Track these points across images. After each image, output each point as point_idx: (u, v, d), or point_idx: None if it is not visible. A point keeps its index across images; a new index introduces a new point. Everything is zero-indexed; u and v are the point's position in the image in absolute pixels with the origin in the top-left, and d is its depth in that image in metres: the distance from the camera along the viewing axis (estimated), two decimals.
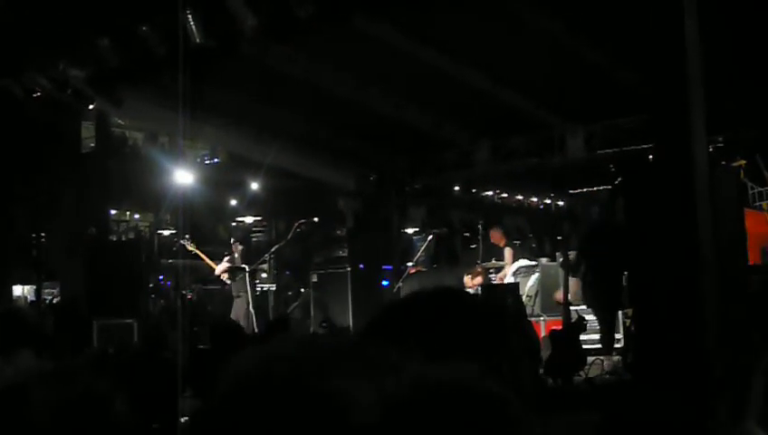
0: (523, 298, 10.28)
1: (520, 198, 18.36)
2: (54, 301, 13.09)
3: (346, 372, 0.74)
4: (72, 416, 1.27)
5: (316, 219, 13.07)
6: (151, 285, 13.71)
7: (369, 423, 0.70)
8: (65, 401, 1.28)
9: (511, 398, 0.76)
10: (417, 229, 15.74)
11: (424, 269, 12.52)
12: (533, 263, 11.89)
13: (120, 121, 13.16)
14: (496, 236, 12.16)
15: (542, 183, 15.92)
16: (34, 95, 9.55)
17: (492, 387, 0.75)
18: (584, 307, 9.83)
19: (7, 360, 4.92)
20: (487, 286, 10.75)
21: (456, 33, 8.59)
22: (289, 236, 11.76)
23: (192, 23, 7.75)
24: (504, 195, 17.91)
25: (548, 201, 18.52)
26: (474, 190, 16.36)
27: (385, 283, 12.15)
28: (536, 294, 11.08)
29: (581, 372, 7.82)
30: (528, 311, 10.22)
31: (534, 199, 18.57)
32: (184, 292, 12.92)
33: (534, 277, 11.34)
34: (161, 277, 14.87)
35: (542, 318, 10.49)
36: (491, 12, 8.03)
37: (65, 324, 9.36)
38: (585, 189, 14.87)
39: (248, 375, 0.78)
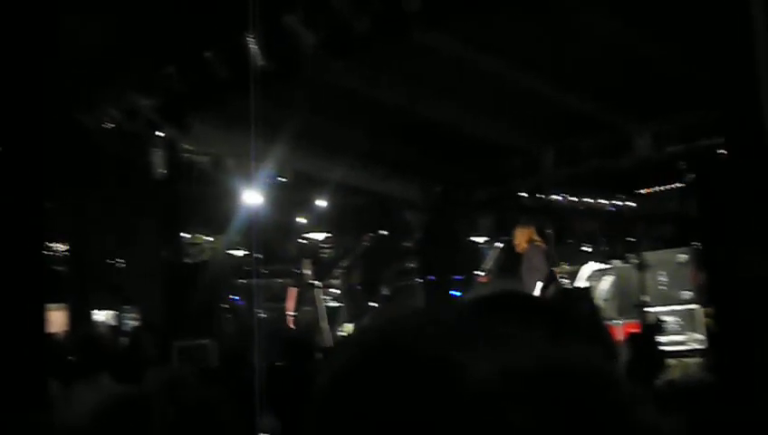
0: (599, 302, 10.13)
1: (589, 201, 18.11)
2: (133, 324, 13.39)
3: (466, 343, 0.76)
4: (189, 423, 1.31)
5: (385, 233, 13.11)
6: (226, 306, 13.92)
7: (487, 392, 0.71)
8: (183, 409, 1.32)
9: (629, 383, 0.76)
10: (485, 238, 15.64)
11: (494, 277, 12.42)
12: (607, 266, 11.70)
13: (188, 147, 13.42)
14: (522, 237, 11.35)
15: (610, 185, 15.69)
16: (106, 126, 9.84)
17: (614, 369, 0.75)
18: (663, 308, 9.64)
19: (88, 383, 5.05)
20: (560, 291, 10.61)
21: (514, 38, 8.55)
22: (358, 251, 11.82)
23: (253, 46, 7.90)
24: (573, 199, 17.69)
25: (618, 203, 18.23)
26: (541, 196, 16.20)
27: (456, 293, 12.10)
28: (612, 298, 10.90)
29: (662, 375, 7.66)
30: (604, 314, 10.06)
31: (604, 202, 18.30)
32: (257, 311, 13.07)
33: (609, 280, 11.16)
34: (236, 297, 15.08)
35: (618, 321, 10.31)
36: (548, 14, 7.97)
37: (145, 347, 9.57)
38: (656, 188, 14.61)
39: (371, 345, 0.80)
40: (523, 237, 11.18)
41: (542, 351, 0.74)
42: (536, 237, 11.15)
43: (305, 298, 11.08)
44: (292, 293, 11.35)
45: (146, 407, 1.38)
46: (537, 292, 10.89)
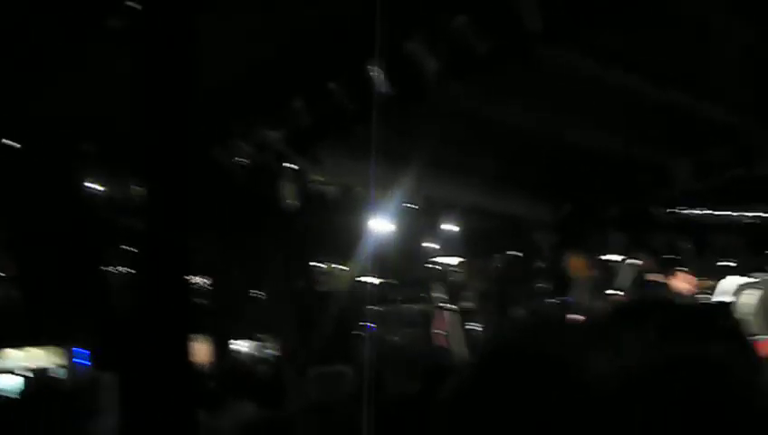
0: (746, 317, 9.66)
1: (728, 213, 17.41)
2: (272, 353, 13.74)
3: (586, 346, 0.79)
4: None
5: (516, 254, 13.01)
6: (360, 333, 14.08)
7: (607, 390, 0.74)
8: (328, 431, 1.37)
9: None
10: (621, 256, 15.25)
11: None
12: (756, 280, 11.17)
13: (317, 178, 13.75)
14: (578, 265, 11.01)
15: (750, 194, 15.02)
16: (238, 160, 10.19)
17: (736, 364, 0.75)
18: None
19: (233, 411, 5.21)
20: (699, 304, 10.19)
21: (641, 50, 8.35)
22: (489, 274, 11.75)
23: (377, 75, 8.02)
24: (710, 212, 17.05)
25: (761, 214, 17.43)
26: (676, 210, 15.69)
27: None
28: (756, 312, 10.38)
29: None
30: (747, 329, 9.58)
31: (745, 213, 17.54)
32: (391, 337, 13.19)
33: (754, 294, 10.64)
34: (369, 324, 15.25)
35: (763, 337, 9.79)
36: (676, 23, 7.76)
37: (285, 374, 9.79)
38: None
39: (503, 345, 0.86)
40: (576, 266, 11.00)
41: (652, 350, 0.75)
42: (586, 269, 10.89)
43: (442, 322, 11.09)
44: (440, 314, 11.37)
45: (289, 429, 1.43)
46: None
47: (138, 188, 5.24)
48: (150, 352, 5.20)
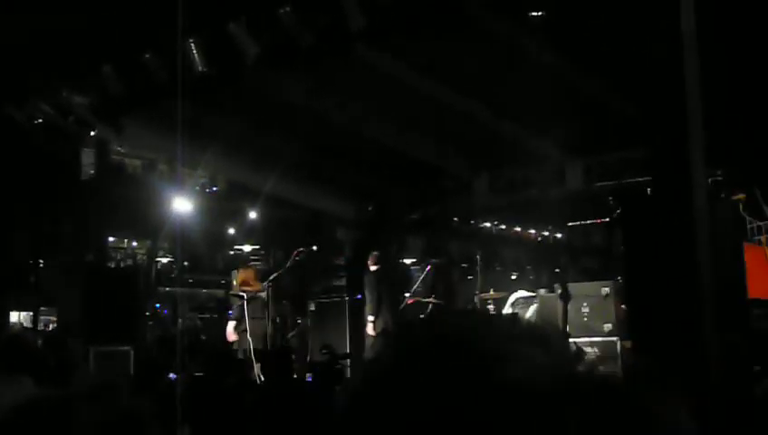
0: None
1: (518, 229, 18.40)
2: (51, 327, 13.04)
3: (515, 340, 0.77)
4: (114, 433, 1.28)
5: (315, 248, 13.07)
6: (148, 313, 13.66)
7: (541, 385, 0.73)
8: (108, 420, 1.29)
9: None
10: (414, 260, 15.73)
11: (422, 299, 12.48)
12: (532, 294, 11.85)
13: (119, 149, 13.19)
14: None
15: (540, 215, 15.95)
16: (36, 122, 9.60)
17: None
18: (583, 339, 9.80)
19: (7, 385, 4.89)
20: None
21: (456, 65, 8.65)
22: (287, 265, 11.72)
23: (195, 51, 7.81)
24: (503, 226, 17.95)
25: (546, 233, 18.56)
26: (472, 221, 16.39)
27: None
28: None
29: None
30: None
31: (533, 232, 18.62)
32: (181, 320, 12.88)
33: (533, 308, 11.30)
34: (158, 305, 14.83)
35: None
36: (492, 44, 8.09)
37: (61, 351, 9.31)
38: (583, 222, 14.88)
39: (419, 338, 0.81)
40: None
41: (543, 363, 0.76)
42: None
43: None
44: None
45: (68, 411, 1.34)
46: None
47: None
48: None
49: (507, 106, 9.66)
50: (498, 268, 17.40)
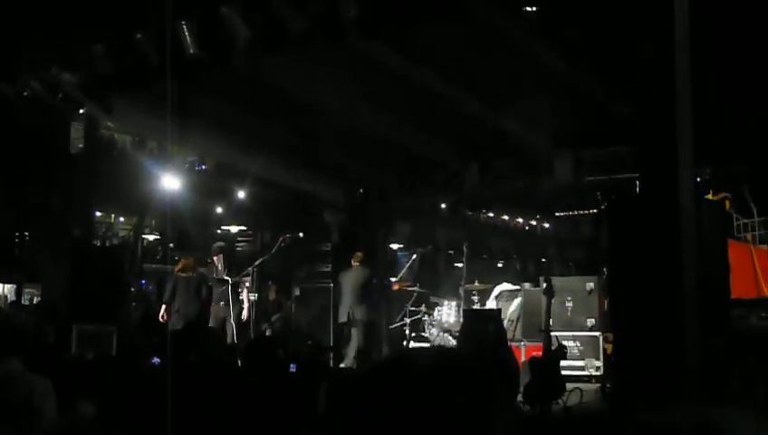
0: (505, 323, 10.25)
1: (506, 218, 18.43)
2: (35, 301, 13.00)
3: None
4: None
5: (301, 234, 13.06)
6: (133, 290, 13.64)
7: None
8: None
9: None
10: (401, 246, 15.74)
11: (406, 288, 12.48)
12: (516, 287, 11.87)
13: (109, 124, 13.11)
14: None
15: (528, 206, 15.98)
16: (25, 94, 9.52)
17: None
18: (566, 333, 9.84)
19: None
20: (469, 312, 10.73)
21: (450, 56, 8.62)
22: (273, 250, 11.69)
23: (186, 33, 7.75)
24: (491, 215, 17.98)
25: (533, 223, 18.60)
26: (460, 211, 16.39)
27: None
28: (518, 319, 11.05)
29: (560, 400, 7.79)
30: (509, 336, 10.20)
31: (520, 221, 18.65)
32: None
33: (517, 302, 11.33)
34: (143, 282, 14.81)
35: (522, 343, 10.46)
36: (486, 36, 8.06)
37: (45, 328, 9.28)
38: (571, 213, 14.94)
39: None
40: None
41: None
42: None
43: (219, 294, 10.88)
44: (221, 284, 11.08)
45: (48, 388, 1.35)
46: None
47: None
48: None
49: (500, 98, 9.65)
50: (485, 257, 17.42)
